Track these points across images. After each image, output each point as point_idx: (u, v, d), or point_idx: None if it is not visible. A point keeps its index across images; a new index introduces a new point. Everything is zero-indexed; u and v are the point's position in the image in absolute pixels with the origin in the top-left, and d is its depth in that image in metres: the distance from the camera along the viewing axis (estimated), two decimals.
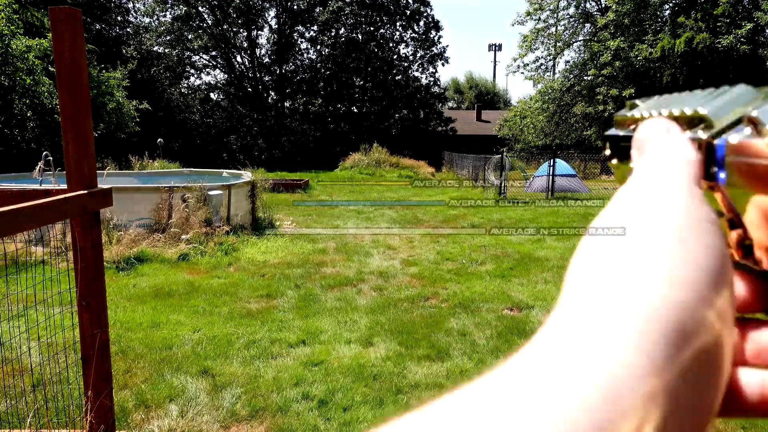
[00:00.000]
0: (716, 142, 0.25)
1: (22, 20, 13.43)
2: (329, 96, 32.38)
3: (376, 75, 32.52)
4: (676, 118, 0.27)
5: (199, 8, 30.73)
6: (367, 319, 4.82)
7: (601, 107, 24.21)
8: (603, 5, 26.02)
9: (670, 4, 22.52)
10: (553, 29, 26.81)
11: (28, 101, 13.39)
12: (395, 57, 33.57)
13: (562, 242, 8.28)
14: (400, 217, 10.92)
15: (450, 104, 52.04)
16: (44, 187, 2.99)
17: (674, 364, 0.17)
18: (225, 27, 31.40)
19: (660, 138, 0.26)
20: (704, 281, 0.19)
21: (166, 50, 31.01)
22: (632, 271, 0.20)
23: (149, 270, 6.46)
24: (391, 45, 33.47)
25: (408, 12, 33.09)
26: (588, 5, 27.10)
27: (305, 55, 33.22)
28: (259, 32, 32.77)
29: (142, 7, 30.68)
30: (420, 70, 34.31)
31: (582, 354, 0.17)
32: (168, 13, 31.02)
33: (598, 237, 0.22)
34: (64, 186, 2.19)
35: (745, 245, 0.25)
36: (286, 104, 33.06)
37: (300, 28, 32.49)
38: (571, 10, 26.70)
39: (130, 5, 28.79)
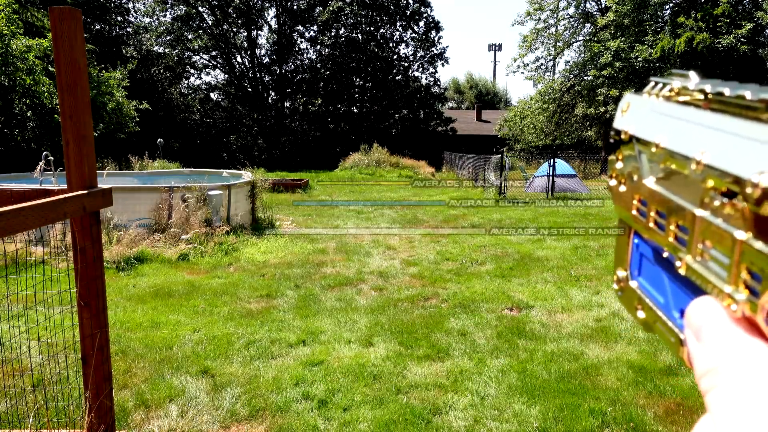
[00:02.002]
0: None
1: (22, 20, 13.43)
2: (329, 96, 32.37)
3: (376, 75, 32.52)
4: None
5: (199, 8, 30.74)
6: (367, 319, 4.82)
7: (602, 109, 24.20)
8: (603, 5, 26.01)
9: (670, 5, 22.52)
10: (553, 29, 26.81)
11: (28, 101, 13.39)
12: (395, 57, 33.57)
13: (562, 242, 8.28)
14: (400, 217, 10.92)
15: (450, 104, 52.03)
16: (44, 187, 3.00)
17: None
18: (225, 27, 31.41)
19: (722, 334, 0.25)
20: None
21: (166, 50, 31.02)
22: None
23: (149, 270, 6.46)
24: (391, 45, 33.47)
25: (408, 12, 33.09)
26: (588, 5, 27.10)
27: (305, 55, 33.26)
28: (259, 32, 32.81)
29: (142, 7, 30.73)
30: (420, 70, 34.35)
31: None
32: (168, 13, 31.06)
33: None
34: (64, 186, 2.19)
35: None
36: (286, 104, 33.07)
37: (300, 28, 32.51)
38: (571, 10, 26.70)
39: (130, 5, 28.80)
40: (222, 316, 4.85)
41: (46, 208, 1.84)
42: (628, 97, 0.33)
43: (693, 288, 0.28)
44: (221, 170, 13.74)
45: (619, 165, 0.33)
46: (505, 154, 15.19)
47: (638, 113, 0.32)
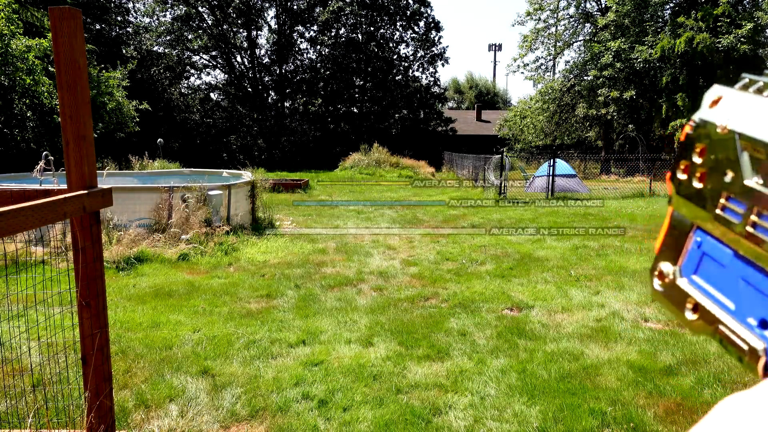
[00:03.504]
0: None
1: (22, 20, 13.43)
2: (329, 96, 32.37)
3: (376, 75, 32.51)
4: None
5: (199, 8, 30.74)
6: (367, 319, 4.82)
7: (603, 110, 24.20)
8: (603, 5, 26.02)
9: (671, 5, 22.53)
10: (553, 29, 26.84)
11: (28, 101, 13.38)
12: (395, 57, 33.57)
13: (562, 242, 8.28)
14: (400, 217, 10.92)
15: (450, 104, 52.00)
16: (44, 187, 3.00)
17: None
18: (225, 27, 31.40)
19: None
20: None
21: (166, 50, 31.02)
22: None
23: (149, 270, 6.46)
24: (391, 45, 33.47)
25: (408, 12, 33.09)
26: (588, 5, 27.12)
27: (305, 55, 33.25)
28: (259, 32, 32.81)
29: (142, 7, 30.72)
30: (420, 70, 34.35)
31: None
32: (168, 13, 31.06)
33: None
34: (64, 186, 2.19)
35: None
36: (286, 104, 33.07)
37: (300, 28, 32.50)
38: (571, 10, 26.72)
39: (130, 5, 28.81)
40: (222, 316, 4.85)
41: (46, 209, 1.84)
42: (719, 90, 0.30)
43: None
44: (221, 170, 13.74)
45: (697, 159, 0.30)
46: (505, 154, 15.20)
47: (739, 109, 0.29)
